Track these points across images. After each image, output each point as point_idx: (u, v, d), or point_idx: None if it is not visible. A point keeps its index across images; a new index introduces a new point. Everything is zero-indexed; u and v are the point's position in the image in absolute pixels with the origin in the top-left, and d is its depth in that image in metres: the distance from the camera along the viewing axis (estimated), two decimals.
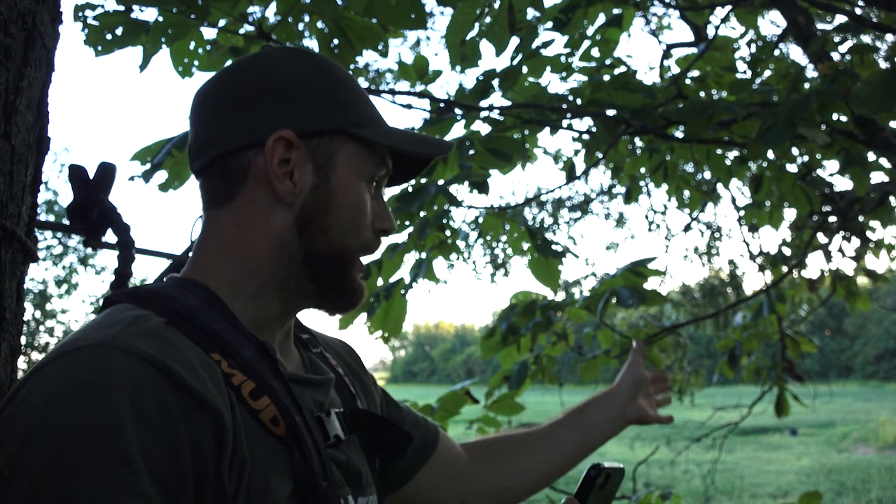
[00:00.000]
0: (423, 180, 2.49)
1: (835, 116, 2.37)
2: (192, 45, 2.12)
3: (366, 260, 0.89)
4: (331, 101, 0.83)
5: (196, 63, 2.15)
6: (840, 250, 4.15)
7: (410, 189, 2.42)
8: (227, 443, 0.66)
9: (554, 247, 2.51)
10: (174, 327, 0.72)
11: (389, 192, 2.32)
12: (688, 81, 3.08)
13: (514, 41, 2.34)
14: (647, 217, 8.77)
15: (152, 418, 0.62)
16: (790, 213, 3.97)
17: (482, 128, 2.56)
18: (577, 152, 3.85)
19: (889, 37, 3.69)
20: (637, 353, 1.34)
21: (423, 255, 2.58)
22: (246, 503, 0.67)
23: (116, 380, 0.62)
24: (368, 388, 1.01)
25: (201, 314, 0.75)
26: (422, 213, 2.52)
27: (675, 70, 3.58)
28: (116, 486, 0.58)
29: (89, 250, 4.48)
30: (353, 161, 0.83)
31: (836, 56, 2.68)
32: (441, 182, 2.44)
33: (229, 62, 2.32)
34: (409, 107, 2.44)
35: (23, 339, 0.88)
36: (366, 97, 0.88)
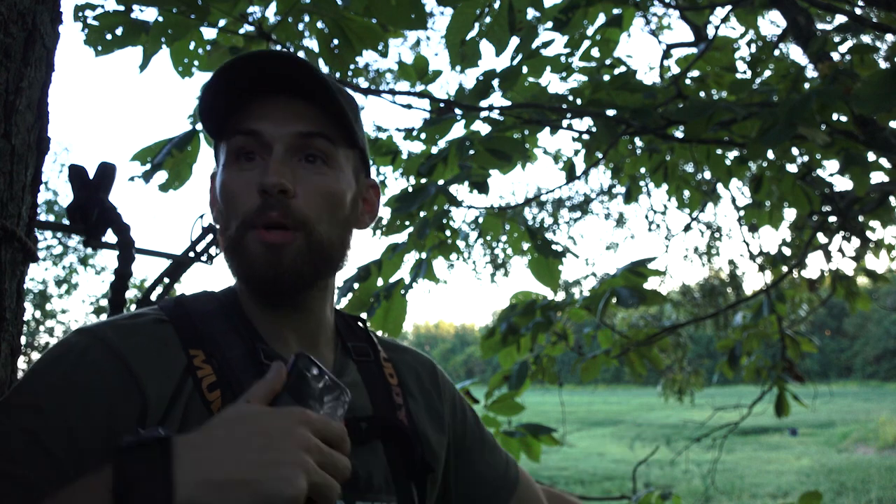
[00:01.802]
0: (423, 180, 2.49)
1: (835, 116, 2.37)
2: (192, 45, 2.12)
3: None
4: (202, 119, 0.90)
5: (196, 63, 2.15)
6: (840, 250, 4.15)
7: (410, 189, 2.42)
8: (150, 420, 0.76)
9: (554, 247, 2.51)
10: (170, 325, 0.84)
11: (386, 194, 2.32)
12: (688, 81, 3.08)
13: (514, 41, 2.34)
14: (647, 217, 8.78)
15: (81, 385, 0.75)
16: (790, 213, 3.97)
17: (482, 128, 2.56)
18: (577, 152, 3.85)
19: (889, 37, 3.69)
20: None
21: (423, 255, 2.58)
22: None
23: (72, 352, 0.78)
24: (435, 407, 1.01)
25: (212, 317, 0.87)
26: (422, 213, 2.52)
27: (675, 70, 3.58)
28: (13, 419, 0.72)
29: (89, 250, 4.48)
30: (220, 155, 0.89)
31: (836, 56, 2.68)
32: (441, 182, 2.44)
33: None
34: (409, 107, 2.44)
35: (23, 339, 0.88)
36: (208, 89, 0.85)
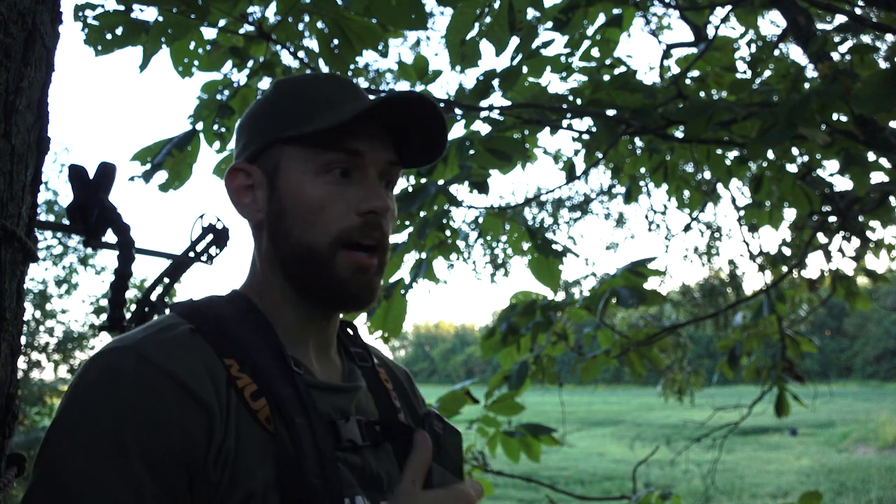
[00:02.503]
0: (423, 180, 2.49)
1: (835, 116, 2.37)
2: (192, 45, 2.12)
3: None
4: (266, 119, 0.91)
5: (196, 63, 2.16)
6: (840, 250, 4.15)
7: (410, 189, 2.42)
8: (217, 434, 0.77)
9: (554, 247, 2.51)
10: (200, 334, 0.83)
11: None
12: (688, 81, 3.08)
13: (514, 41, 2.34)
14: (647, 217, 8.77)
15: (150, 413, 0.74)
16: (790, 213, 3.97)
17: (482, 128, 2.56)
18: (577, 152, 3.85)
19: (889, 37, 3.69)
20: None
21: (423, 255, 2.58)
22: (229, 487, 0.76)
23: (121, 379, 0.76)
24: (417, 413, 1.04)
25: (233, 323, 0.86)
26: (422, 213, 2.52)
27: (675, 70, 3.58)
28: (110, 471, 0.72)
29: (89, 250, 4.48)
30: (297, 161, 0.88)
31: (836, 56, 2.68)
32: (441, 182, 2.44)
33: (228, 62, 2.33)
34: None
35: (23, 339, 0.88)
36: (309, 99, 0.89)
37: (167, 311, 0.91)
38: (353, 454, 0.87)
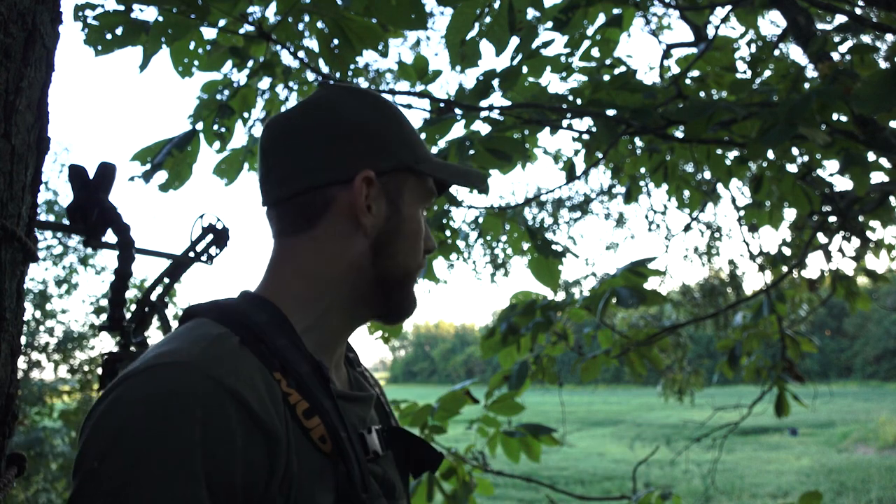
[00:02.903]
0: None
1: (835, 116, 2.37)
2: (192, 45, 2.12)
3: None
4: (398, 140, 0.93)
5: (196, 63, 2.15)
6: (840, 250, 4.15)
7: None
8: (280, 462, 0.74)
9: (554, 247, 2.51)
10: (247, 347, 0.79)
11: None
12: (688, 81, 3.08)
13: (514, 41, 2.34)
14: (647, 217, 8.78)
15: (217, 439, 0.70)
16: (790, 213, 3.97)
17: (482, 128, 2.56)
18: (577, 152, 3.85)
19: (889, 37, 3.69)
20: None
21: None
22: None
23: (191, 402, 0.70)
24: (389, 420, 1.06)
25: (269, 332, 0.82)
26: None
27: (675, 70, 3.58)
28: (181, 498, 0.67)
29: (89, 250, 4.48)
30: (416, 193, 0.95)
31: (836, 56, 2.68)
32: None
33: (228, 62, 2.32)
34: (409, 107, 2.44)
35: (23, 339, 0.88)
36: (415, 130, 0.98)
37: (193, 317, 0.85)
38: (375, 464, 0.87)
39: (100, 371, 1.26)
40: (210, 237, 1.45)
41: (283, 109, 3.13)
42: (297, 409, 0.78)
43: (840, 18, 2.93)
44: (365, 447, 0.86)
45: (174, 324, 0.88)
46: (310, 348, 0.85)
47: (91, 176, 1.19)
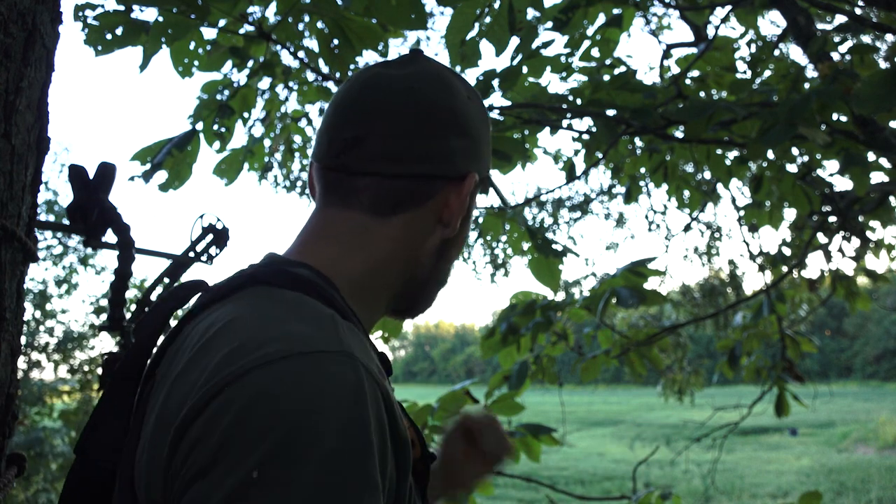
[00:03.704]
0: None
1: (835, 116, 2.37)
2: (192, 45, 2.12)
3: None
4: (488, 148, 0.90)
5: (196, 63, 2.15)
6: (840, 250, 4.15)
7: None
8: (409, 455, 0.67)
9: (554, 247, 2.51)
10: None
11: None
12: (688, 81, 3.08)
13: (514, 41, 2.34)
14: (647, 217, 8.78)
15: (384, 441, 0.62)
16: (790, 213, 3.97)
17: None
18: (577, 152, 3.85)
19: (889, 37, 3.69)
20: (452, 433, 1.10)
21: None
22: None
23: (364, 398, 0.60)
24: None
25: (348, 315, 0.73)
26: None
27: (675, 70, 3.58)
28: (368, 489, 0.58)
29: (89, 250, 4.48)
30: (475, 200, 0.90)
31: (836, 56, 2.68)
32: None
33: (228, 62, 2.32)
34: None
35: (23, 339, 0.88)
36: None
37: (262, 284, 0.73)
38: None
39: (100, 371, 1.26)
40: (210, 237, 1.45)
41: (282, 109, 3.14)
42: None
43: (840, 18, 2.93)
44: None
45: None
46: None
47: (91, 176, 1.19)
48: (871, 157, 2.53)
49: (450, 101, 0.83)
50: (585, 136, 3.11)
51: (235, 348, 0.62)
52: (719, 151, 3.10)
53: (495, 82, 2.40)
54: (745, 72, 3.15)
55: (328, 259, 0.79)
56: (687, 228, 7.27)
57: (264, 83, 2.67)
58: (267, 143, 3.03)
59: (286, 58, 2.82)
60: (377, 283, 0.81)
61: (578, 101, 2.60)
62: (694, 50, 3.52)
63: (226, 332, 0.65)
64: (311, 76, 2.74)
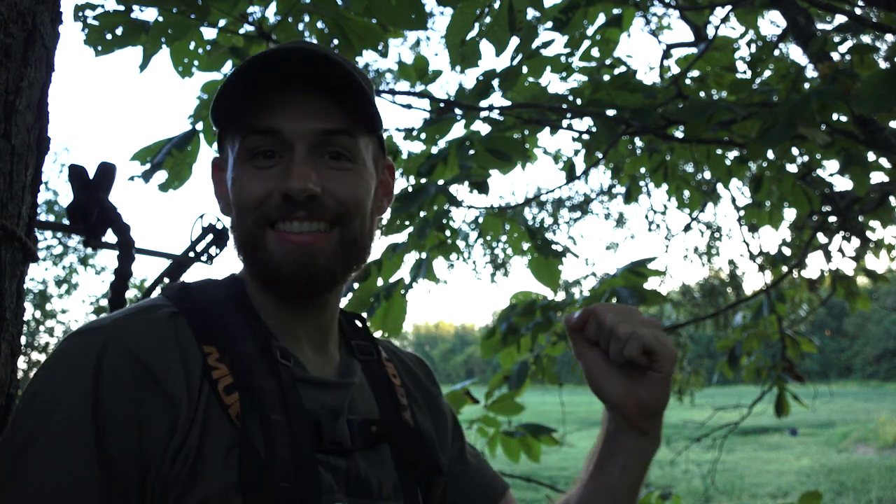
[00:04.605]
0: (423, 180, 2.49)
1: (835, 116, 2.37)
2: (192, 45, 2.12)
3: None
4: (211, 111, 0.85)
5: (196, 63, 2.15)
6: (840, 250, 4.15)
7: (410, 189, 2.42)
8: (180, 428, 0.73)
9: (554, 247, 2.51)
10: (182, 318, 0.79)
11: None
12: (688, 81, 3.08)
13: (514, 41, 2.34)
14: (647, 217, 8.78)
15: (109, 396, 0.71)
16: (790, 213, 3.97)
17: (482, 128, 2.56)
18: (577, 152, 3.85)
19: (889, 37, 3.69)
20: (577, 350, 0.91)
21: (423, 255, 2.58)
22: (187, 484, 0.71)
23: (88, 360, 0.73)
24: (437, 404, 1.01)
25: (221, 309, 0.82)
26: (422, 213, 2.52)
27: (675, 70, 3.58)
28: (67, 449, 0.69)
29: (89, 250, 4.48)
30: (231, 153, 0.85)
31: (836, 56, 2.68)
32: (441, 182, 2.43)
33: (228, 62, 2.32)
34: (409, 107, 2.44)
35: (23, 339, 0.88)
36: (229, 85, 0.82)
37: (157, 292, 0.87)
38: (338, 457, 0.82)
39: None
40: (210, 237, 1.45)
41: None
42: (219, 385, 0.76)
43: (840, 18, 2.93)
44: (320, 435, 0.80)
45: None
46: (274, 330, 0.84)
47: (91, 176, 1.19)
48: (871, 157, 2.53)
49: None
50: (585, 136, 3.11)
51: None
52: (719, 151, 3.10)
53: (495, 82, 2.40)
54: (745, 72, 3.15)
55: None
56: (687, 228, 7.28)
57: None
58: None
59: None
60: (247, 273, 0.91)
61: (578, 101, 2.60)
62: (694, 50, 3.52)
63: None
64: None
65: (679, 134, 2.75)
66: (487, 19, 2.22)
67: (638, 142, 3.40)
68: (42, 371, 0.75)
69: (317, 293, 0.85)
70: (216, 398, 0.75)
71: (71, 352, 0.74)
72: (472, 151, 2.36)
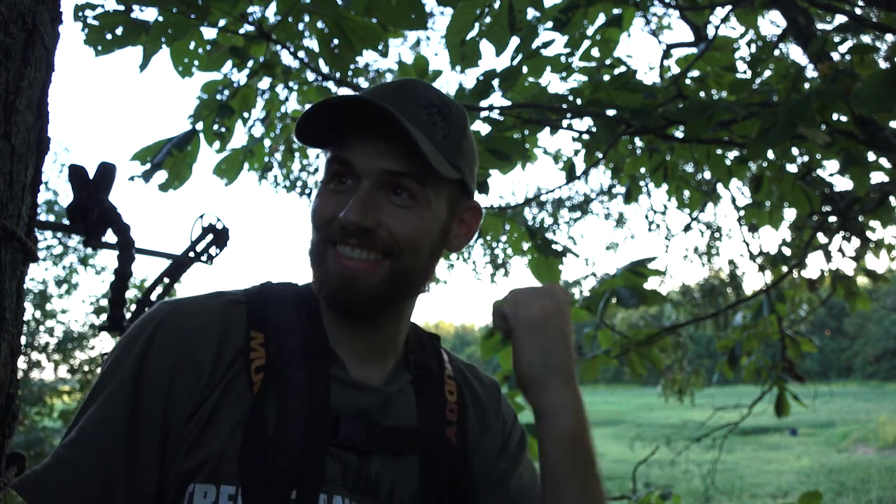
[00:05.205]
0: None
1: (835, 116, 2.37)
2: (192, 45, 2.12)
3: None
4: None
5: (196, 63, 2.15)
6: (840, 250, 4.15)
7: None
8: (200, 391, 0.84)
9: (554, 247, 2.51)
10: (244, 306, 0.92)
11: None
12: (688, 81, 3.08)
13: (514, 41, 2.34)
14: (647, 217, 8.78)
15: (154, 365, 0.85)
16: (790, 213, 3.97)
17: (482, 128, 2.56)
18: (577, 152, 3.85)
19: (889, 37, 3.69)
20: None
21: None
22: (195, 442, 0.82)
23: (147, 325, 0.88)
24: (486, 422, 1.02)
25: (282, 306, 0.93)
26: None
27: (675, 70, 3.58)
28: (115, 398, 0.84)
29: (89, 250, 4.48)
30: (322, 172, 0.93)
31: (836, 56, 2.68)
32: None
33: (228, 62, 2.32)
34: None
35: (23, 339, 0.88)
36: (329, 107, 0.88)
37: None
38: (351, 454, 0.86)
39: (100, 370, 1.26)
40: (210, 237, 1.45)
41: (282, 109, 3.14)
42: (253, 364, 0.86)
43: (840, 18, 2.93)
44: (336, 429, 0.85)
45: None
46: (331, 335, 0.92)
47: (91, 176, 1.19)
48: (871, 157, 2.53)
49: None
50: (585, 136, 3.11)
51: None
52: (719, 151, 3.10)
53: (495, 82, 2.40)
54: (745, 72, 3.15)
55: None
56: (687, 228, 7.28)
57: (264, 83, 2.68)
58: (267, 143, 3.04)
59: (286, 58, 2.83)
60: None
61: (578, 101, 2.60)
62: (694, 50, 3.52)
63: None
64: (311, 76, 2.74)
65: (679, 134, 2.75)
66: (487, 19, 2.22)
67: (638, 142, 3.40)
68: (126, 332, 0.90)
69: (360, 314, 0.91)
70: (246, 374, 0.85)
71: (140, 322, 0.89)
72: None
